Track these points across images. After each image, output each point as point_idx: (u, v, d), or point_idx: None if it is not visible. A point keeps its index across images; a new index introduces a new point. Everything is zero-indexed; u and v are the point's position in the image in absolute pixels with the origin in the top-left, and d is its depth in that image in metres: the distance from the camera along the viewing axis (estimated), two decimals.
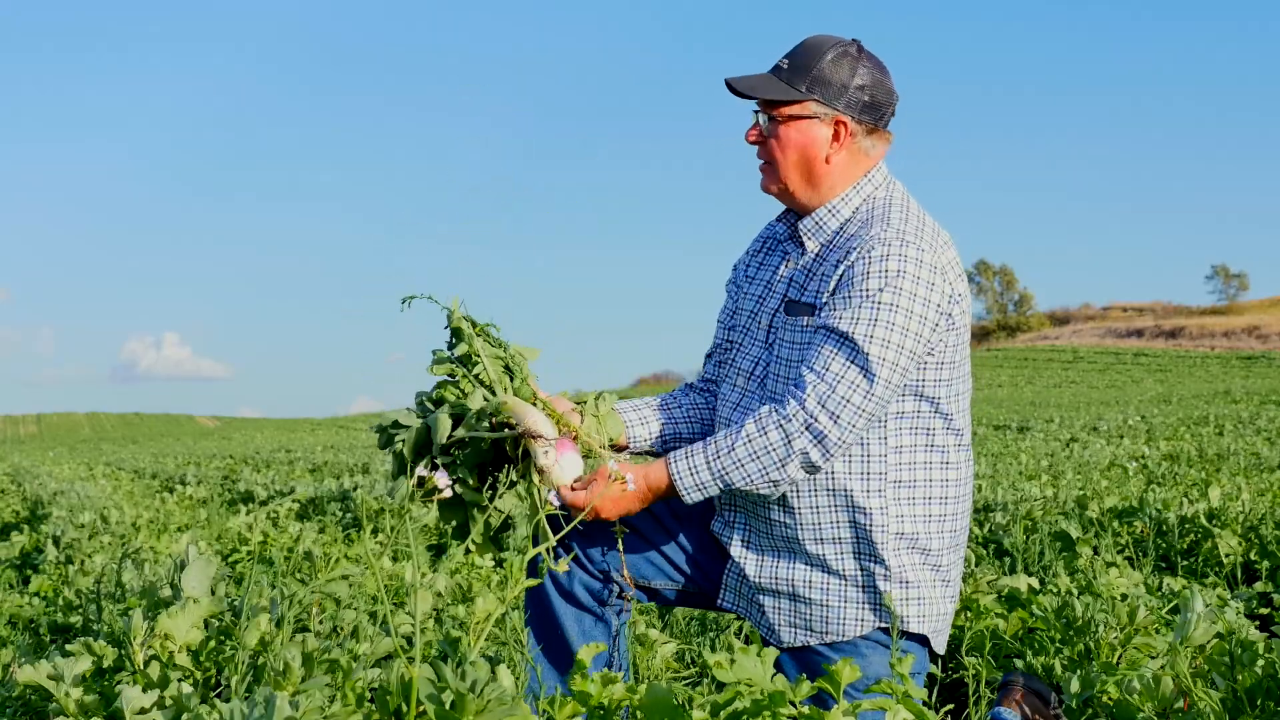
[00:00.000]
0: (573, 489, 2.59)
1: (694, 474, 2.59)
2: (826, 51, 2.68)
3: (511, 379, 2.65)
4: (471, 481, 2.60)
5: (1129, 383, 56.71)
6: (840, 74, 2.67)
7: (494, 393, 2.60)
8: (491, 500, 2.62)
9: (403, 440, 2.62)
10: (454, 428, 2.57)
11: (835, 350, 2.55)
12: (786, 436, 2.53)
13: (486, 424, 2.55)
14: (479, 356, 2.63)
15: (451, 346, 2.68)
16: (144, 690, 2.29)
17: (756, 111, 2.75)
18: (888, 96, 2.72)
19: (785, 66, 2.71)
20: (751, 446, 2.55)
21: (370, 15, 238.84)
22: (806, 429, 2.53)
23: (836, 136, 2.70)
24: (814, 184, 2.73)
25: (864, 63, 2.69)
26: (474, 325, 2.68)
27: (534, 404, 2.63)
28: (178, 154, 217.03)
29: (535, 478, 2.57)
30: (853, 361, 2.53)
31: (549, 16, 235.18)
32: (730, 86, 2.72)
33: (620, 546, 2.78)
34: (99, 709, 2.45)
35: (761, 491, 2.58)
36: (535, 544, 2.62)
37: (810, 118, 2.69)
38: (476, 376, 2.62)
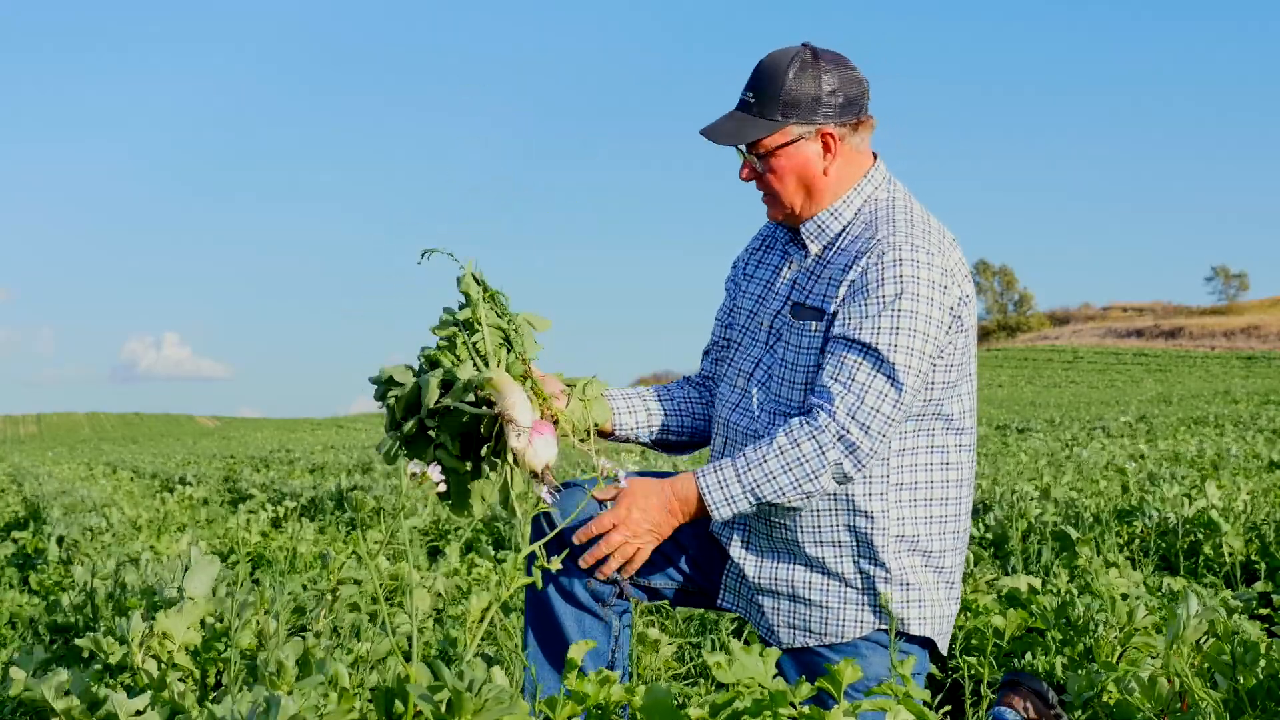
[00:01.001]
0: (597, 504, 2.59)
1: (724, 488, 2.56)
2: (786, 71, 2.63)
3: (509, 351, 2.64)
4: (453, 449, 2.61)
5: (1129, 383, 56.70)
6: (808, 87, 2.63)
7: (487, 364, 2.60)
8: (474, 470, 2.64)
9: (395, 396, 2.64)
10: (443, 393, 2.59)
11: (860, 359, 2.53)
12: (820, 448, 2.52)
13: (471, 396, 2.56)
14: (480, 324, 2.63)
15: (462, 308, 2.68)
16: (138, 693, 2.29)
17: (742, 151, 2.71)
18: (858, 87, 2.68)
19: (752, 100, 2.66)
20: (784, 459, 2.53)
21: (370, 15, 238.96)
22: (840, 440, 2.51)
23: (827, 148, 2.67)
24: (817, 197, 2.71)
25: (824, 65, 2.64)
26: (485, 291, 2.67)
27: (523, 381, 2.62)
28: (178, 154, 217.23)
29: (510, 457, 2.58)
30: (879, 371, 2.52)
31: (549, 16, 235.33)
32: (708, 138, 2.68)
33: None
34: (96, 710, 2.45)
35: (794, 504, 2.56)
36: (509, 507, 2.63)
37: (796, 140, 2.66)
38: (474, 344, 2.62)
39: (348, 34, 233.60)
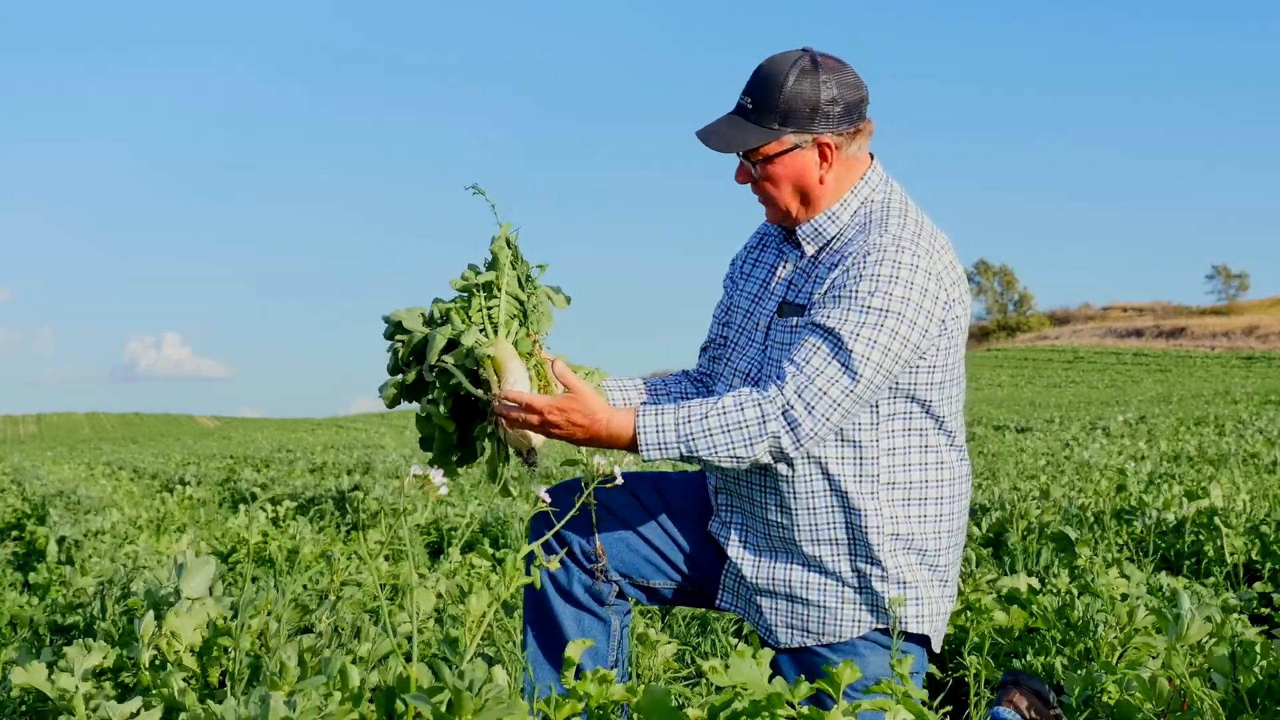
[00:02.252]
0: (508, 398, 2.54)
1: (660, 432, 2.56)
2: (785, 78, 2.61)
3: (521, 325, 2.64)
4: (444, 409, 2.62)
5: (1129, 383, 56.69)
6: (806, 96, 2.61)
7: (496, 333, 2.60)
8: (461, 434, 2.66)
9: (402, 341, 2.65)
10: (447, 352, 2.60)
11: (819, 343, 2.54)
12: (763, 416, 2.52)
13: (474, 364, 2.56)
14: (499, 291, 2.61)
15: (489, 268, 2.66)
16: (140, 693, 2.29)
17: (739, 153, 2.70)
18: (858, 93, 2.66)
19: (750, 106, 2.65)
20: (725, 419, 2.53)
21: (370, 15, 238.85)
22: (783, 414, 2.52)
23: (824, 157, 2.66)
24: (813, 204, 2.70)
25: (823, 73, 2.62)
26: (514, 257, 2.64)
27: (528, 359, 2.61)
28: (178, 154, 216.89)
29: (501, 433, 2.59)
30: (834, 357, 2.52)
31: (549, 16, 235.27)
32: (703, 142, 2.67)
33: (594, 521, 2.77)
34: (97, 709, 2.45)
35: (722, 466, 2.56)
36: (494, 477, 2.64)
37: (793, 149, 2.65)
38: (489, 310, 2.61)
39: (348, 34, 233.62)
